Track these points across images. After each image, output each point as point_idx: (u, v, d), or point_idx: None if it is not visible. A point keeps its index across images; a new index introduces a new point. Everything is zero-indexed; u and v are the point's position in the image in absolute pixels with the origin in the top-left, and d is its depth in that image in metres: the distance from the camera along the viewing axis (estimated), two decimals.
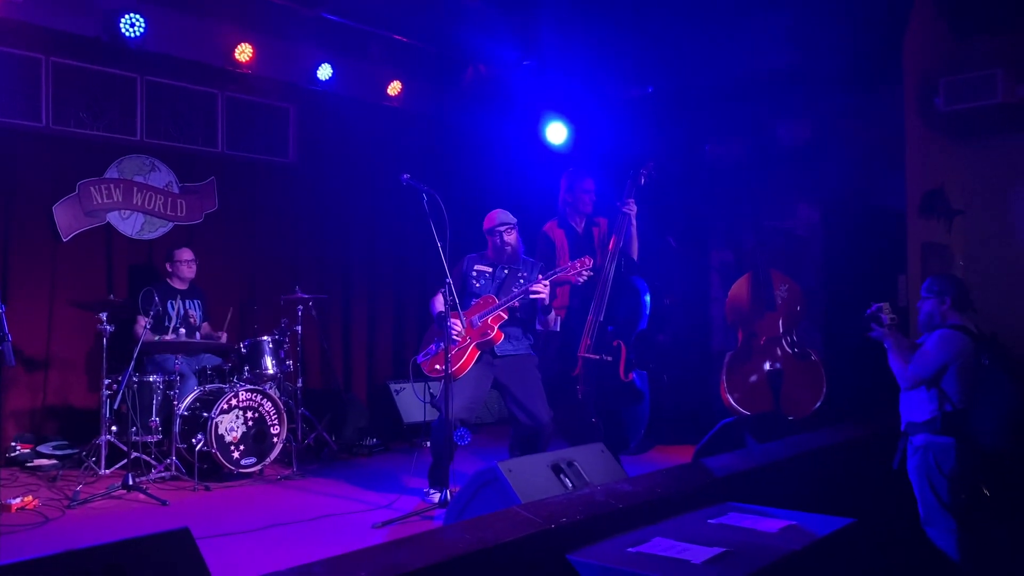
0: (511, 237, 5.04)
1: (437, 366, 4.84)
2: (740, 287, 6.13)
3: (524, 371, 4.99)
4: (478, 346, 4.86)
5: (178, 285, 6.13)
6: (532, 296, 4.79)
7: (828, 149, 6.63)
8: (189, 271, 6.16)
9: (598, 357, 5.69)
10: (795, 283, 6.07)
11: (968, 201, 6.35)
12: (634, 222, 5.72)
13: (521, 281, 4.97)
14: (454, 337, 4.78)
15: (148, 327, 5.49)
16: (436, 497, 4.71)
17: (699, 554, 2.45)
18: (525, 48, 7.44)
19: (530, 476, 3.41)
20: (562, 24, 7.03)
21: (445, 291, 4.73)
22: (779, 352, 5.95)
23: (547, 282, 4.79)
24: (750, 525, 2.84)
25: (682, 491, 3.35)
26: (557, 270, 4.88)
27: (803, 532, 2.73)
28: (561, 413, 5.97)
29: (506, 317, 4.89)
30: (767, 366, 5.94)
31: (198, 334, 6.04)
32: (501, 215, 5.09)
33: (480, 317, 4.90)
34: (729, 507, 3.18)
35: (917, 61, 6.16)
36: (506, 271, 5.10)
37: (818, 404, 5.75)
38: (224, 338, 6.10)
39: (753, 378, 5.95)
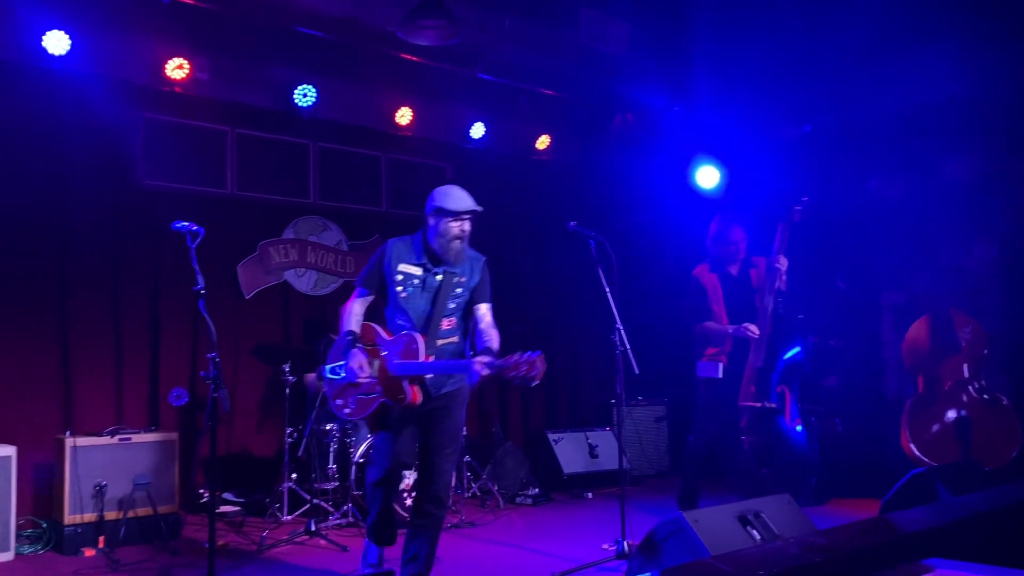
0: (468, 229, 3.83)
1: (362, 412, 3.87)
2: (918, 330, 5.80)
3: (446, 414, 3.87)
4: (386, 403, 3.78)
5: None
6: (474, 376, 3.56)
7: (1001, 184, 6.25)
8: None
9: (761, 405, 5.52)
10: (979, 324, 5.69)
11: None
12: (784, 276, 5.47)
13: (459, 291, 3.83)
14: (359, 378, 3.77)
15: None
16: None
17: None
18: (674, 93, 7.43)
19: (716, 527, 3.34)
20: (714, 67, 6.98)
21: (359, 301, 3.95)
22: (965, 398, 5.58)
23: (486, 362, 3.50)
24: None
25: (880, 544, 3.18)
26: (502, 363, 3.43)
27: None
28: (727, 464, 5.82)
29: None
30: (953, 413, 5.58)
31: None
32: (461, 198, 3.82)
33: (400, 370, 3.70)
34: (935, 563, 3.00)
35: None
36: (439, 277, 3.82)
37: (1015, 452, 5.33)
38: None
39: (936, 426, 5.59)
